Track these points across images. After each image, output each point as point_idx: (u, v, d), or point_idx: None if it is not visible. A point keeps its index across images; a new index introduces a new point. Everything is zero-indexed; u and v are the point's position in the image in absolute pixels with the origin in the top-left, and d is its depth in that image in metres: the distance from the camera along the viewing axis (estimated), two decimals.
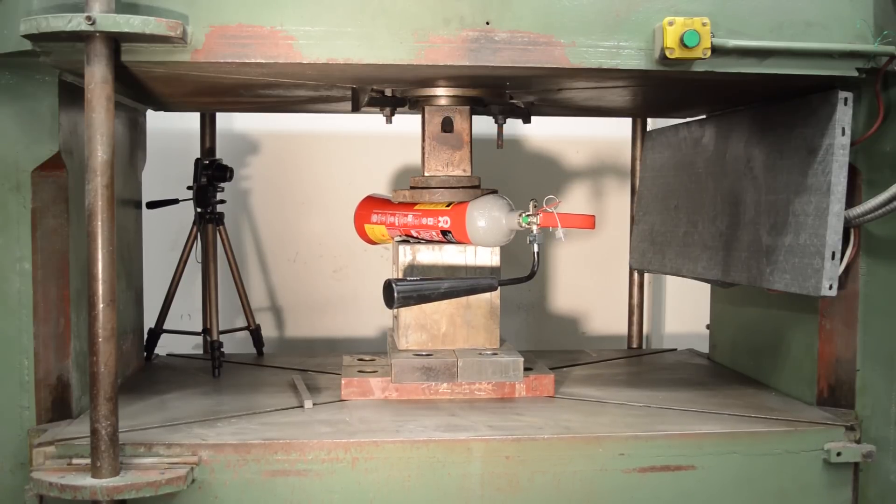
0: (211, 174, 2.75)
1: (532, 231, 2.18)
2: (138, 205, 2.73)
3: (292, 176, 3.48)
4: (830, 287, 1.98)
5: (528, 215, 2.17)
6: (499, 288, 2.29)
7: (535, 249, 2.19)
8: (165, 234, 3.21)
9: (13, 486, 1.99)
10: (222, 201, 2.80)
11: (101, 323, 1.72)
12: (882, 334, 2.14)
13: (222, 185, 2.79)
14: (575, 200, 3.56)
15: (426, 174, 2.42)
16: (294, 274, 3.53)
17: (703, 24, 1.82)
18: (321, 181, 3.49)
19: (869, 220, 2.03)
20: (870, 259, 2.14)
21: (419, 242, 2.43)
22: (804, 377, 2.28)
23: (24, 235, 2.00)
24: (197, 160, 2.77)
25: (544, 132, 3.56)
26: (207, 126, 2.99)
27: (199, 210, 2.77)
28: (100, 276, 1.72)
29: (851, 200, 2.06)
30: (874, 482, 2.10)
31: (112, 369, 1.74)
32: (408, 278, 2.24)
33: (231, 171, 2.79)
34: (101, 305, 1.72)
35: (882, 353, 2.14)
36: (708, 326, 2.94)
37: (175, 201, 2.83)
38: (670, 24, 1.82)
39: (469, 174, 2.42)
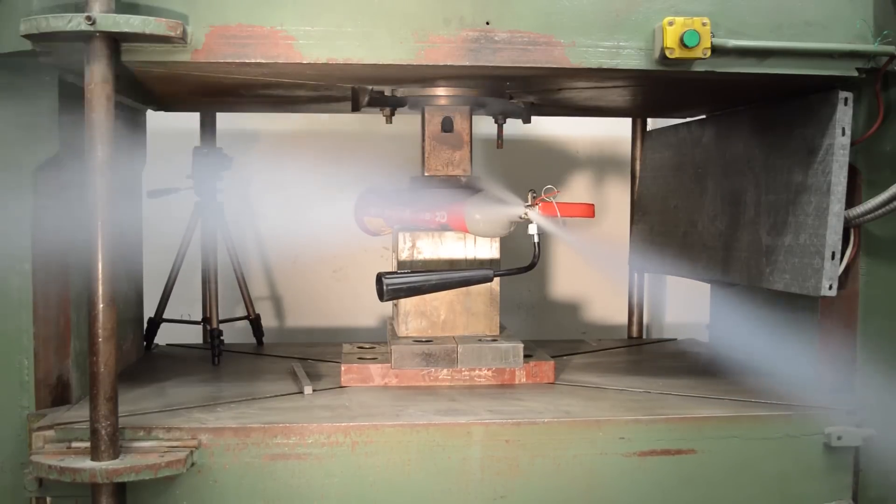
0: (211, 164, 2.75)
1: (531, 221, 2.17)
2: (138, 204, 2.73)
3: (292, 175, 3.48)
4: (830, 287, 1.98)
5: (528, 206, 2.17)
6: (495, 279, 2.28)
7: (536, 240, 2.19)
8: (165, 225, 3.20)
9: (13, 485, 1.99)
10: (222, 191, 2.80)
11: (101, 323, 1.72)
12: (882, 334, 2.14)
13: (222, 174, 2.79)
14: (575, 198, 3.55)
15: (426, 174, 2.42)
16: (294, 273, 3.53)
17: (703, 24, 1.82)
18: (321, 181, 3.49)
19: (869, 220, 2.03)
20: (870, 259, 2.14)
21: (418, 229, 2.43)
22: (804, 377, 2.28)
23: (25, 236, 2.00)
24: (196, 149, 2.78)
25: (544, 132, 3.56)
26: (208, 116, 2.98)
27: (198, 199, 2.77)
28: (100, 276, 1.72)
29: (851, 200, 2.06)
30: (874, 485, 2.10)
31: (112, 369, 1.74)
32: (399, 272, 2.25)
33: (231, 160, 2.79)
34: (101, 305, 1.72)
35: (882, 353, 2.14)
36: (708, 326, 2.94)
37: (175, 190, 2.83)
38: (670, 24, 1.82)
39: (469, 174, 2.42)
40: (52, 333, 2.06)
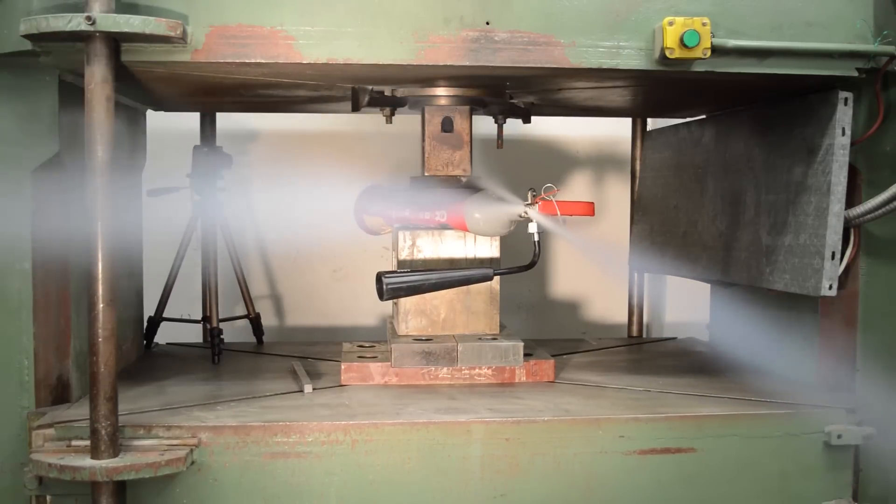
0: (210, 162, 2.75)
1: (531, 220, 2.17)
2: (139, 204, 2.73)
3: (292, 174, 3.48)
4: (830, 287, 1.98)
5: (527, 204, 2.17)
6: (495, 277, 2.28)
7: (536, 239, 2.18)
8: (165, 224, 3.21)
9: (13, 484, 1.99)
10: (222, 189, 2.80)
11: (101, 323, 1.72)
12: (882, 334, 2.14)
13: (222, 173, 2.79)
14: (575, 198, 3.55)
15: (426, 174, 2.42)
16: (294, 272, 3.53)
17: (703, 24, 1.83)
18: (320, 180, 3.49)
19: (869, 220, 2.03)
20: (870, 259, 2.14)
21: (418, 228, 2.43)
22: (804, 377, 2.28)
23: (25, 236, 2.00)
24: (196, 147, 2.78)
25: (544, 132, 3.56)
26: (207, 116, 2.98)
27: (198, 198, 2.77)
28: (100, 276, 1.72)
29: (851, 200, 2.06)
30: (874, 483, 2.10)
31: (112, 369, 1.74)
32: (399, 271, 2.25)
33: (230, 158, 2.79)
34: (101, 305, 1.72)
35: (882, 353, 2.14)
36: (708, 326, 2.94)
37: (175, 189, 2.83)
38: (670, 24, 1.82)
39: (469, 174, 2.42)
40: (52, 333, 2.06)
